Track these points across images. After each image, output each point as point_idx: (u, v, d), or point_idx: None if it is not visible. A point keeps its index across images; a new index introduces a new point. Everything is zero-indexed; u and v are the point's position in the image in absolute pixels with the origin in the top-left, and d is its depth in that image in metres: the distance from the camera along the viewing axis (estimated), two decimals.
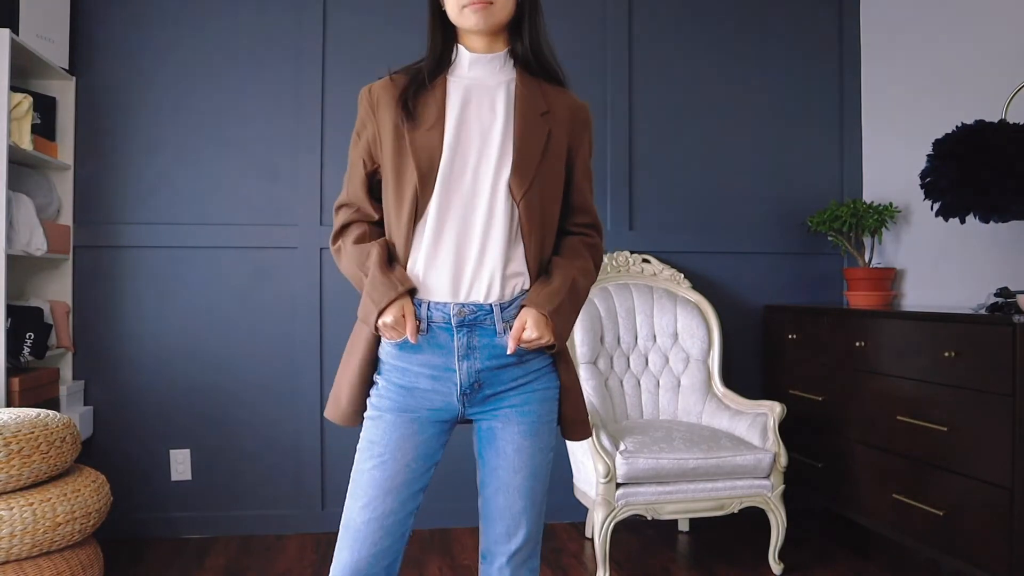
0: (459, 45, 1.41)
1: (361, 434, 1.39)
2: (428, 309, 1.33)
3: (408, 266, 1.35)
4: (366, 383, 1.40)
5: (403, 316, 1.31)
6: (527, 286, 1.38)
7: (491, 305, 1.34)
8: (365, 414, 1.39)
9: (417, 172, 1.32)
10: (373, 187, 1.43)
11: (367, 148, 1.41)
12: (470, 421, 1.42)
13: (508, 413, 1.38)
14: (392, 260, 1.37)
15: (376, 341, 1.40)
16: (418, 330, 1.33)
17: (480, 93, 1.37)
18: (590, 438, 2.44)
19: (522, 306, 1.35)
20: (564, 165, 1.41)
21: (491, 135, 1.34)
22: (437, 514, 3.03)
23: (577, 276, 1.40)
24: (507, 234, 1.33)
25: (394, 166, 1.35)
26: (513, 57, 1.41)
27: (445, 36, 1.40)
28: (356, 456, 1.38)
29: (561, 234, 1.45)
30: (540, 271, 1.39)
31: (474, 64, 1.39)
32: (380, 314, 1.31)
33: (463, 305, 1.33)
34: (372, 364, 1.40)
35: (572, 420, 1.45)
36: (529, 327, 1.32)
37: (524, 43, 1.39)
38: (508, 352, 1.34)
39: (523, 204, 1.33)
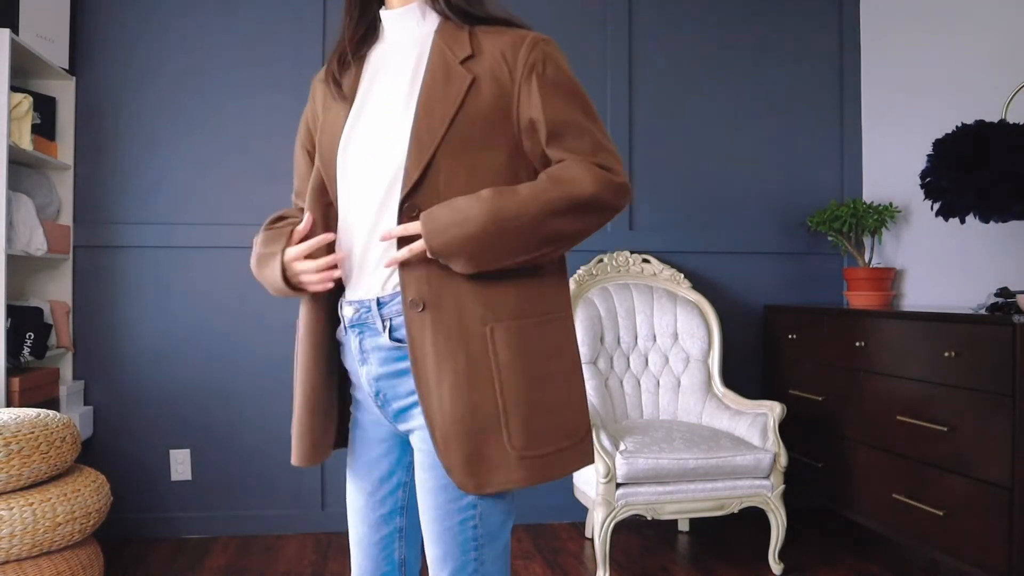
0: (381, 6, 1.20)
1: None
2: (340, 308, 1.19)
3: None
4: (330, 402, 1.22)
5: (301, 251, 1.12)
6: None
7: (370, 301, 1.12)
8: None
9: (320, 156, 1.17)
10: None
11: (308, 132, 1.26)
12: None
13: (414, 437, 1.15)
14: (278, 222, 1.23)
15: (333, 341, 1.20)
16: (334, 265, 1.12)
17: (393, 54, 1.17)
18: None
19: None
20: (508, 119, 1.09)
21: (395, 101, 1.12)
22: None
23: (499, 197, 1.04)
24: (398, 219, 1.08)
25: (316, 150, 1.20)
26: (433, 7, 1.16)
27: (363, 1, 1.20)
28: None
29: None
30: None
31: (391, 23, 1.18)
32: (283, 251, 1.13)
33: (350, 303, 1.15)
34: (329, 372, 1.21)
35: (457, 464, 1.07)
36: (399, 227, 1.06)
37: None
38: (385, 265, 1.08)
39: (431, 173, 1.06)
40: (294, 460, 1.24)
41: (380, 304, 1.11)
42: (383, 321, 1.11)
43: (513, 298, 1.09)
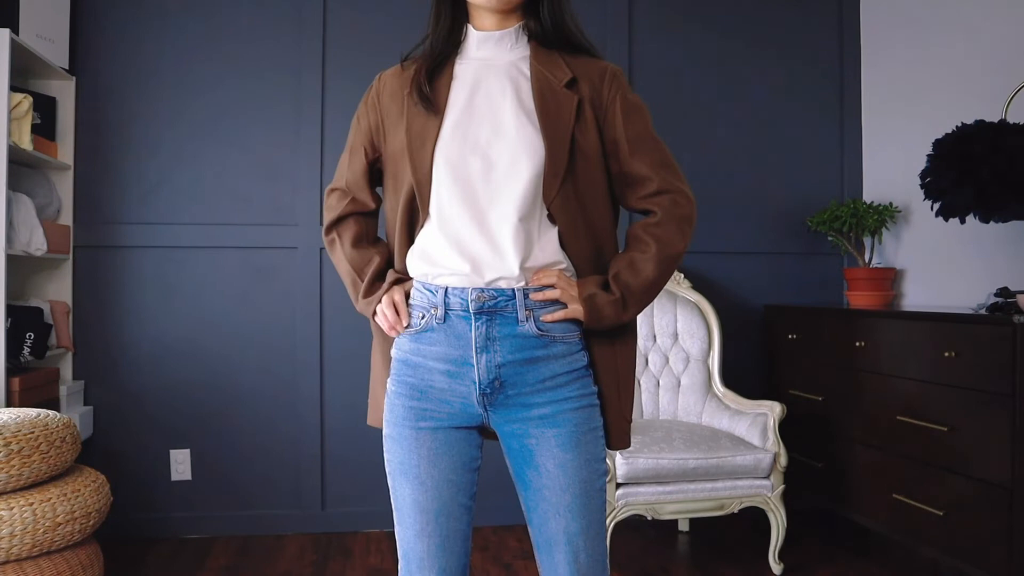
0: (468, 25, 1.30)
1: (385, 454, 1.29)
2: (446, 295, 1.22)
3: (414, 254, 1.27)
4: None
5: (394, 304, 1.26)
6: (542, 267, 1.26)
7: (513, 290, 1.21)
8: (384, 432, 1.29)
9: (410, 159, 1.23)
10: (373, 176, 1.36)
11: (368, 135, 1.33)
12: (493, 435, 1.31)
13: (539, 423, 1.23)
14: (362, 240, 1.36)
15: (389, 339, 1.32)
16: (410, 317, 1.26)
17: (488, 73, 1.26)
18: None
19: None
20: (599, 137, 1.26)
21: (502, 116, 1.23)
22: None
23: (622, 269, 1.26)
24: (530, 215, 1.20)
25: (394, 156, 1.28)
26: (527, 32, 1.29)
27: (455, 14, 1.29)
28: (388, 478, 1.28)
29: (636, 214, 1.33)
30: (594, 259, 1.27)
31: (482, 43, 1.28)
32: (379, 301, 1.28)
33: (483, 290, 1.21)
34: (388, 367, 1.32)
35: (613, 430, 1.30)
36: (557, 279, 1.22)
37: (544, 19, 1.28)
38: (534, 292, 1.22)
39: (558, 194, 1.21)
40: (376, 425, 1.36)
41: (526, 295, 1.22)
42: (528, 311, 1.22)
43: None
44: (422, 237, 1.26)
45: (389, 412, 1.28)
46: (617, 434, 1.30)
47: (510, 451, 1.27)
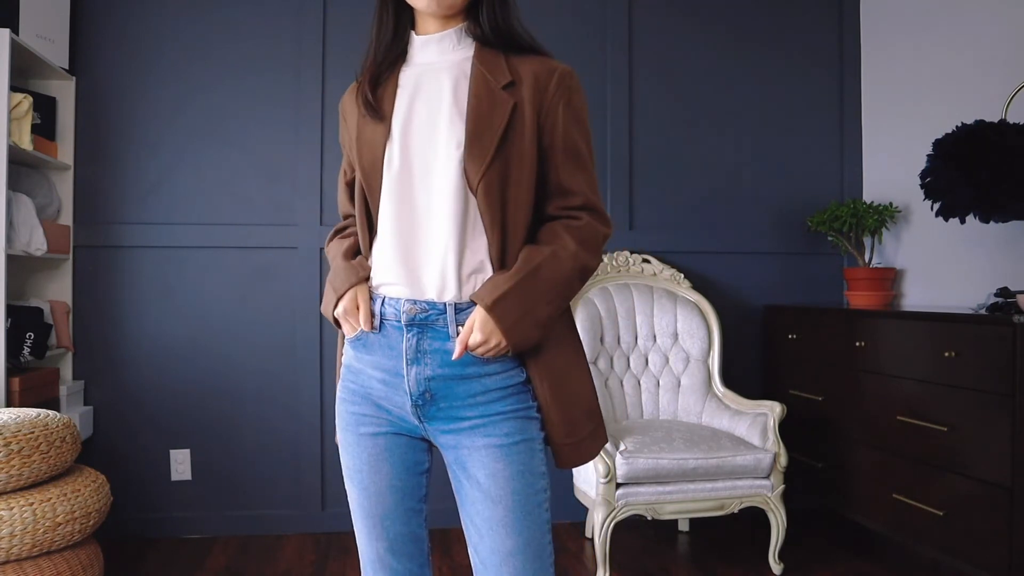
0: (411, 31, 1.28)
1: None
2: (383, 305, 1.22)
3: (370, 262, 1.27)
4: None
5: (356, 305, 1.23)
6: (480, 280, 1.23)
7: (444, 304, 1.19)
8: (336, 437, 1.31)
9: (361, 170, 1.24)
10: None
11: (346, 155, 1.36)
12: (430, 444, 1.29)
13: (471, 433, 1.20)
14: (357, 252, 1.31)
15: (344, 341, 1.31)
16: (372, 322, 1.22)
17: (429, 77, 1.24)
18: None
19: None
20: (535, 142, 1.21)
21: (439, 120, 1.21)
22: (436, 514, 3.02)
23: (544, 261, 1.19)
24: (461, 225, 1.18)
25: (353, 166, 1.30)
26: (470, 33, 1.25)
27: (397, 21, 1.27)
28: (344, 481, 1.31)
29: (543, 222, 1.26)
30: (506, 258, 1.21)
31: (424, 47, 1.26)
32: (338, 301, 1.24)
33: (415, 302, 1.19)
34: None
35: (558, 444, 1.23)
36: (476, 329, 1.15)
37: (483, 22, 1.23)
38: (452, 358, 1.17)
39: (480, 190, 1.16)
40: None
41: (458, 310, 1.19)
42: (457, 325, 1.19)
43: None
44: (373, 247, 1.26)
45: (338, 417, 1.29)
46: (565, 451, 1.24)
47: (448, 464, 1.25)
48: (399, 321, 1.20)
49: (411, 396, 1.20)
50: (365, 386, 1.25)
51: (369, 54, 1.28)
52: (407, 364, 1.20)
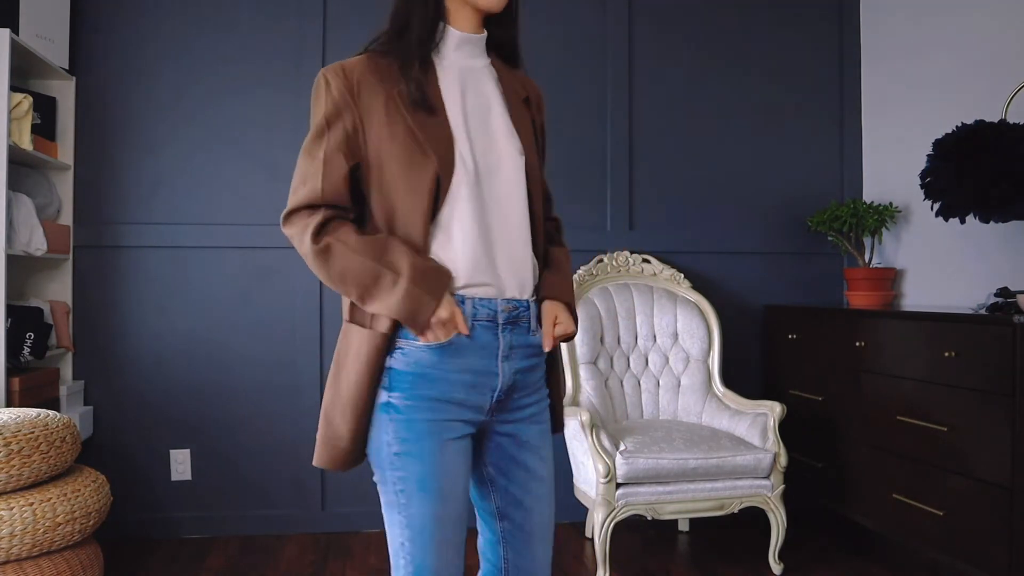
0: (445, 24, 1.25)
1: (393, 472, 1.20)
2: (473, 306, 1.20)
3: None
4: (373, 405, 1.22)
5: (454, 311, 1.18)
6: (537, 278, 1.32)
7: (527, 301, 1.27)
8: (393, 450, 1.19)
9: (438, 161, 1.17)
10: (354, 184, 1.23)
11: (345, 140, 1.20)
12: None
13: (529, 421, 1.31)
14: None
15: (385, 349, 1.20)
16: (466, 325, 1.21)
17: (471, 77, 1.27)
18: (591, 437, 2.45)
19: (543, 298, 1.30)
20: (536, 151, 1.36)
21: (492, 123, 1.26)
22: None
23: (567, 260, 1.40)
24: (528, 226, 1.28)
25: (401, 156, 1.18)
26: (491, 41, 1.32)
27: (437, 9, 1.24)
28: (398, 495, 1.20)
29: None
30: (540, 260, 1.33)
31: (462, 45, 1.26)
32: (436, 308, 1.15)
33: (508, 301, 1.24)
34: (378, 380, 1.22)
35: (557, 416, 1.42)
36: (563, 321, 1.29)
37: (508, 27, 1.30)
38: (546, 349, 1.29)
39: (534, 194, 1.28)
40: (343, 465, 1.26)
41: (535, 305, 1.30)
42: (533, 320, 1.28)
43: None
44: (439, 248, 1.20)
45: (406, 430, 1.19)
46: (559, 420, 1.41)
47: (489, 451, 1.31)
48: (492, 321, 1.23)
49: (496, 392, 1.25)
50: (447, 392, 1.21)
51: (408, 36, 1.23)
52: (501, 361, 1.25)
